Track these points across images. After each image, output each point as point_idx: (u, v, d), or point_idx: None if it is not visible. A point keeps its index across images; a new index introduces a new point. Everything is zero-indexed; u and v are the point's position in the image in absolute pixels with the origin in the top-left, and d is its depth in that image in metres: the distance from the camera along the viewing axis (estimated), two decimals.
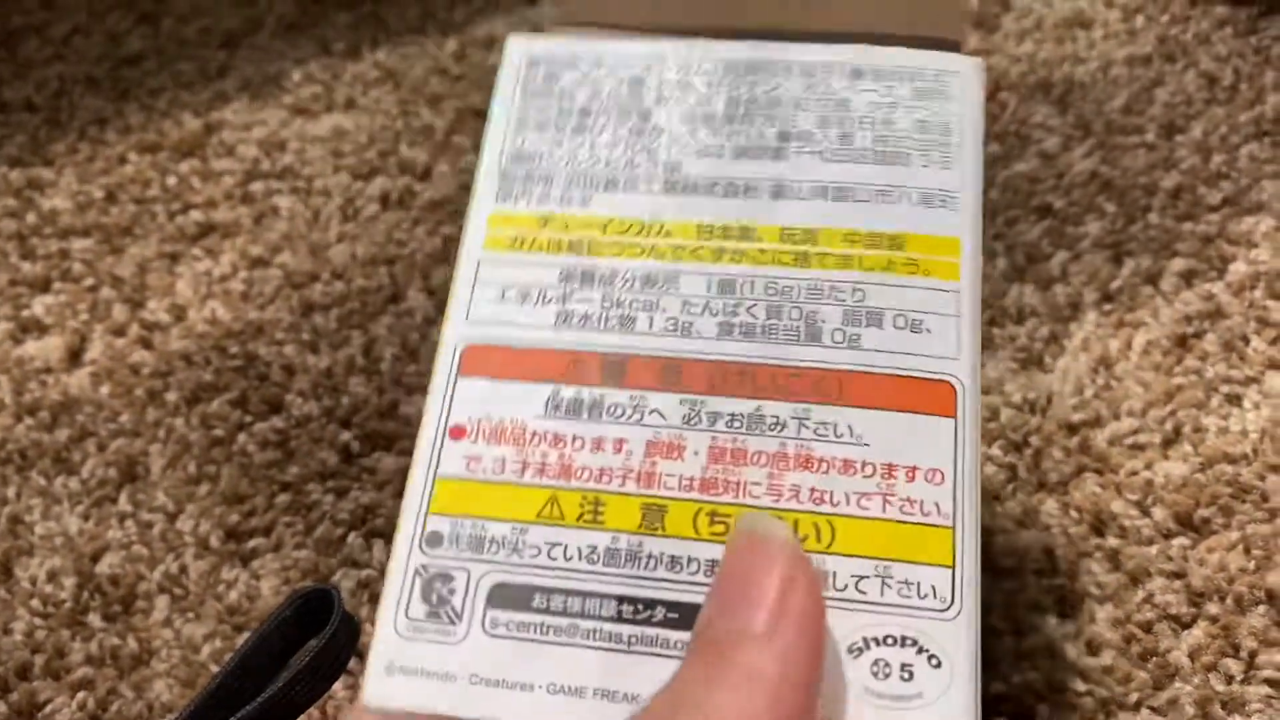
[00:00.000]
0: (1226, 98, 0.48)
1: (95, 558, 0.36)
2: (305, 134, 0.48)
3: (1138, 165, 0.45)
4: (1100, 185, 0.44)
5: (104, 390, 0.40)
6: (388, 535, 0.35)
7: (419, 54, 0.52)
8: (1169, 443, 0.36)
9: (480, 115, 0.49)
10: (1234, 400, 0.38)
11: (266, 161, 0.47)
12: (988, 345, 0.39)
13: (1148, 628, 0.32)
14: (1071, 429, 0.37)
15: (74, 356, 0.41)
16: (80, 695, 0.32)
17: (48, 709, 0.32)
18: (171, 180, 0.47)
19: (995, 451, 0.36)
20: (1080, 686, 0.31)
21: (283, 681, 0.29)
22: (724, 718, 0.16)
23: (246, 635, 0.33)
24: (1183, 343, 0.39)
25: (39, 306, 0.43)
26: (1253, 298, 0.40)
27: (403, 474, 0.36)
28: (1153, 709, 0.31)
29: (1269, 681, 0.31)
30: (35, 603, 0.35)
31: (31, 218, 0.46)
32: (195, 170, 0.47)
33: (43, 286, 0.43)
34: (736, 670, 0.17)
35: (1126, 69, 0.49)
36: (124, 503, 0.37)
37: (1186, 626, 0.32)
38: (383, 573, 0.34)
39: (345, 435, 0.38)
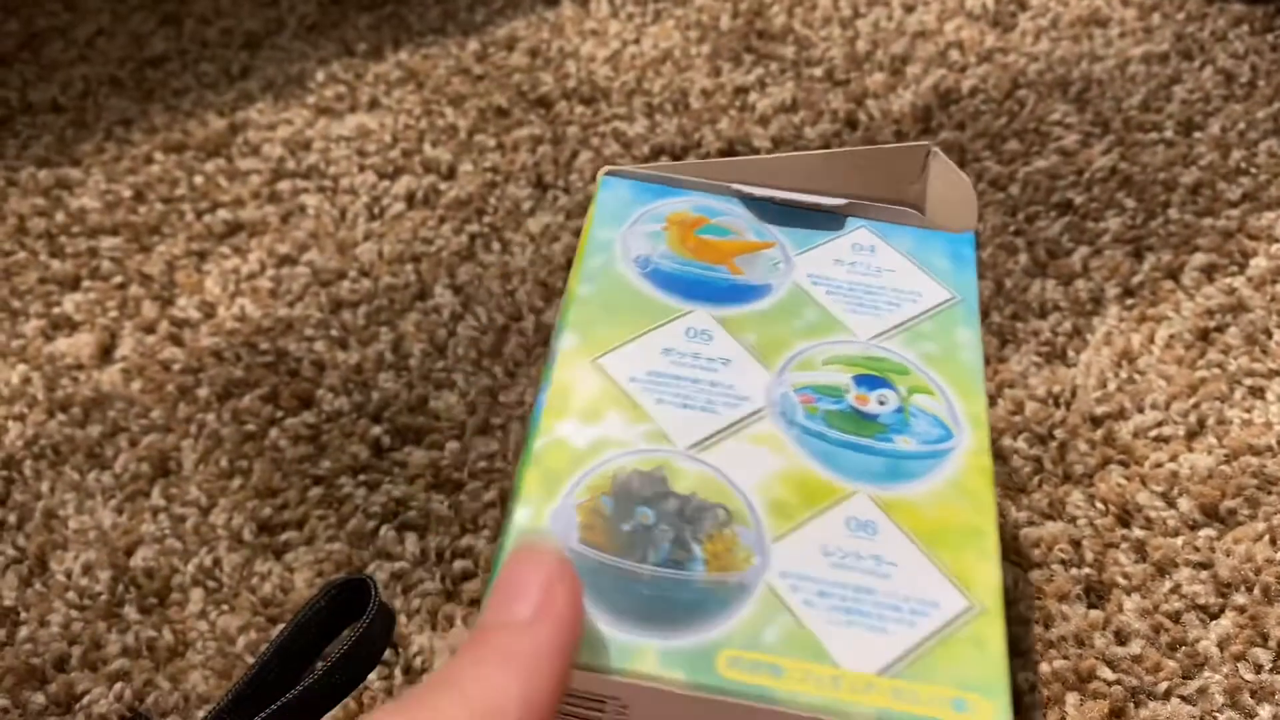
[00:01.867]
0: (1244, 94, 0.48)
1: (129, 551, 0.36)
2: (330, 133, 0.49)
3: (1157, 161, 0.45)
4: (1120, 181, 0.44)
5: (135, 386, 0.40)
6: (419, 528, 0.36)
7: (441, 54, 0.52)
8: (1193, 435, 0.37)
9: (502, 113, 0.49)
10: (1257, 393, 0.38)
11: (292, 161, 0.48)
12: (1011, 339, 0.40)
13: (1176, 617, 0.33)
14: (1096, 422, 0.37)
15: (105, 353, 0.41)
16: (118, 686, 0.33)
17: (85, 699, 0.33)
18: (198, 179, 0.47)
19: (1020, 444, 0.37)
20: (1109, 675, 0.31)
21: (321, 670, 0.30)
22: (478, 689, 0.18)
23: (282, 626, 0.33)
24: (1205, 336, 0.39)
25: (69, 304, 0.43)
26: (1274, 291, 0.41)
27: (433, 467, 0.37)
28: (1182, 698, 0.31)
29: None
30: (71, 595, 0.35)
31: (60, 216, 0.46)
32: (221, 169, 0.48)
33: (73, 284, 0.44)
34: (496, 651, 0.19)
35: (1144, 66, 0.50)
36: (157, 497, 0.37)
37: (1214, 616, 0.33)
38: (414, 565, 0.35)
39: (376, 430, 0.38)
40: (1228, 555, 0.34)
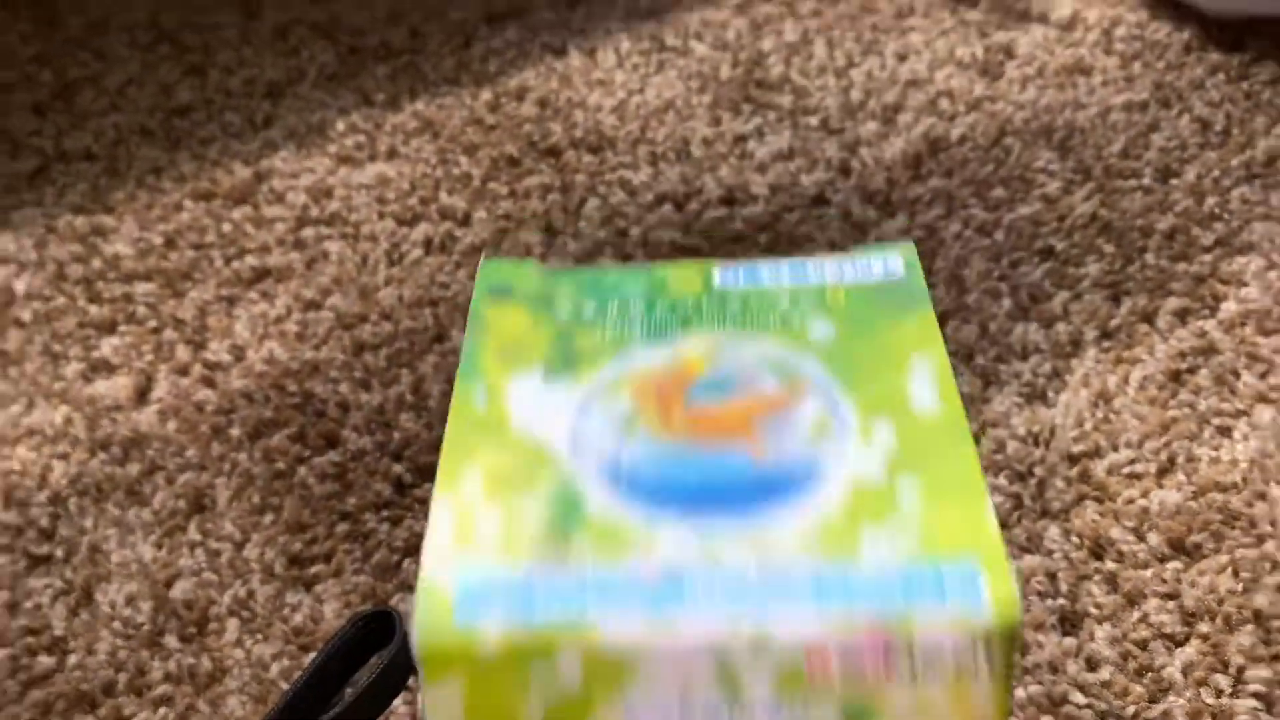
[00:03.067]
0: (1219, 142, 0.51)
1: (169, 584, 0.38)
2: (351, 181, 0.52)
3: (1135, 208, 0.48)
4: (1099, 227, 0.47)
5: (171, 426, 0.43)
6: None
7: (455, 104, 0.55)
8: (1164, 472, 0.39)
9: (513, 162, 0.52)
10: (1225, 432, 0.40)
11: (315, 208, 0.51)
12: (994, 381, 0.42)
13: (1143, 645, 0.35)
14: (1073, 460, 0.40)
15: (141, 395, 0.44)
16: (161, 710, 0.35)
17: None
18: (226, 227, 0.50)
19: (1002, 481, 0.39)
20: (1080, 699, 0.34)
21: (350, 697, 0.32)
22: None
23: (313, 655, 0.36)
24: (1177, 378, 0.42)
25: (107, 347, 0.46)
26: (1243, 334, 0.43)
27: None
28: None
29: (1256, 695, 0.34)
30: (116, 625, 0.37)
31: (97, 263, 0.49)
32: (248, 217, 0.50)
33: (109, 328, 0.47)
34: None
35: (1125, 114, 0.52)
36: (193, 532, 0.40)
37: (1180, 644, 0.35)
38: None
39: (398, 468, 0.41)
40: (1193, 586, 0.36)
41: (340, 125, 0.54)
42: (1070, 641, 0.35)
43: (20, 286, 0.49)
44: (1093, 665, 0.35)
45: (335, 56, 0.59)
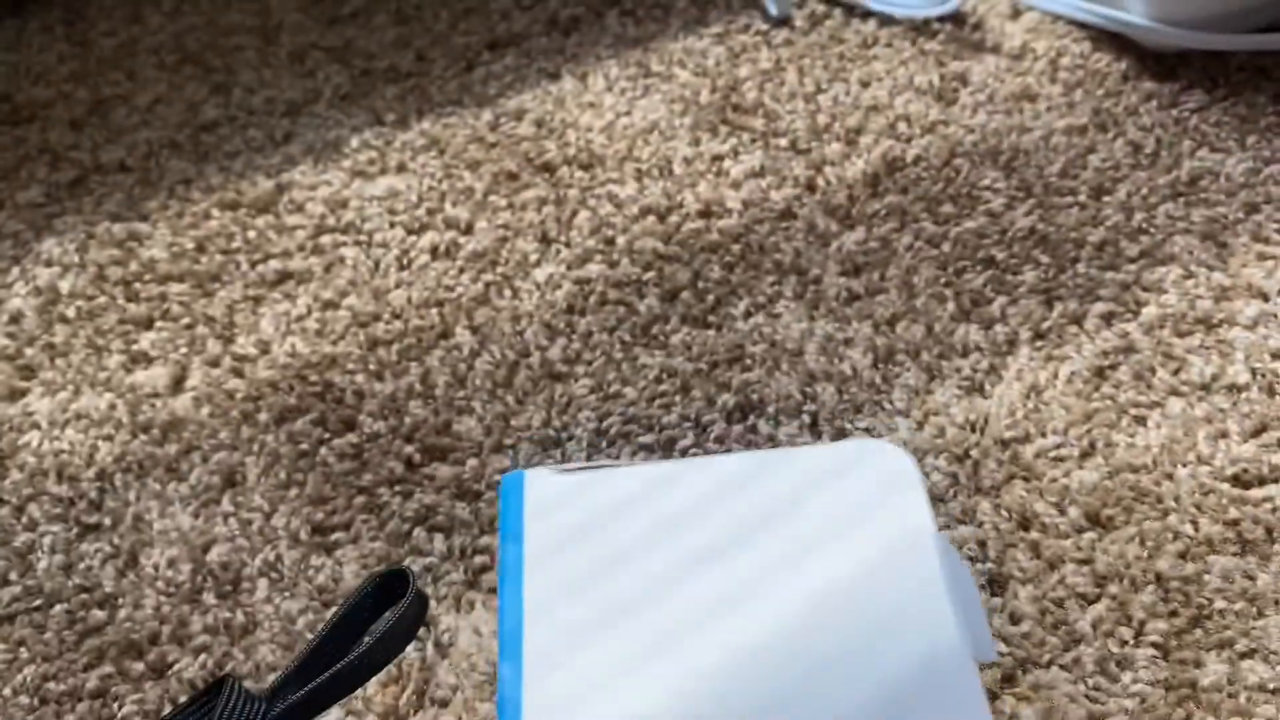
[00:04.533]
0: (1149, 163, 0.56)
1: (206, 549, 0.43)
2: (364, 194, 0.57)
3: (1070, 222, 0.53)
4: (1037, 240, 0.52)
5: (204, 411, 0.48)
6: (445, 530, 0.43)
7: (459, 124, 0.60)
8: (1085, 455, 0.44)
9: (512, 177, 0.57)
10: (1140, 421, 0.46)
11: (332, 218, 0.56)
12: (937, 375, 0.47)
13: (1060, 603, 0.40)
14: (1004, 444, 0.45)
15: (177, 384, 0.49)
16: (201, 657, 0.40)
17: (176, 667, 0.40)
18: (251, 234, 0.55)
19: (940, 463, 0.44)
20: (1004, 649, 0.39)
21: (367, 644, 0.37)
22: None
23: (335, 608, 0.41)
24: (1101, 373, 0.47)
25: (145, 341, 0.51)
26: (1161, 335, 0.48)
27: (456, 479, 0.44)
28: (1061, 666, 0.39)
29: (1154, 645, 0.39)
30: (160, 584, 0.42)
31: (134, 265, 0.54)
32: (271, 225, 0.56)
33: (147, 324, 0.52)
34: None
35: (1065, 137, 0.58)
36: (227, 504, 0.45)
37: (1091, 603, 0.40)
38: (441, 560, 0.43)
39: (409, 449, 0.46)
40: (1105, 554, 0.41)
41: (354, 142, 0.60)
42: (996, 600, 0.40)
43: (64, 286, 0.54)
44: (1015, 620, 0.40)
45: (348, 78, 0.64)
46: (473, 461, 0.45)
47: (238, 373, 0.49)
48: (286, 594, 0.42)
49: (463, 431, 0.46)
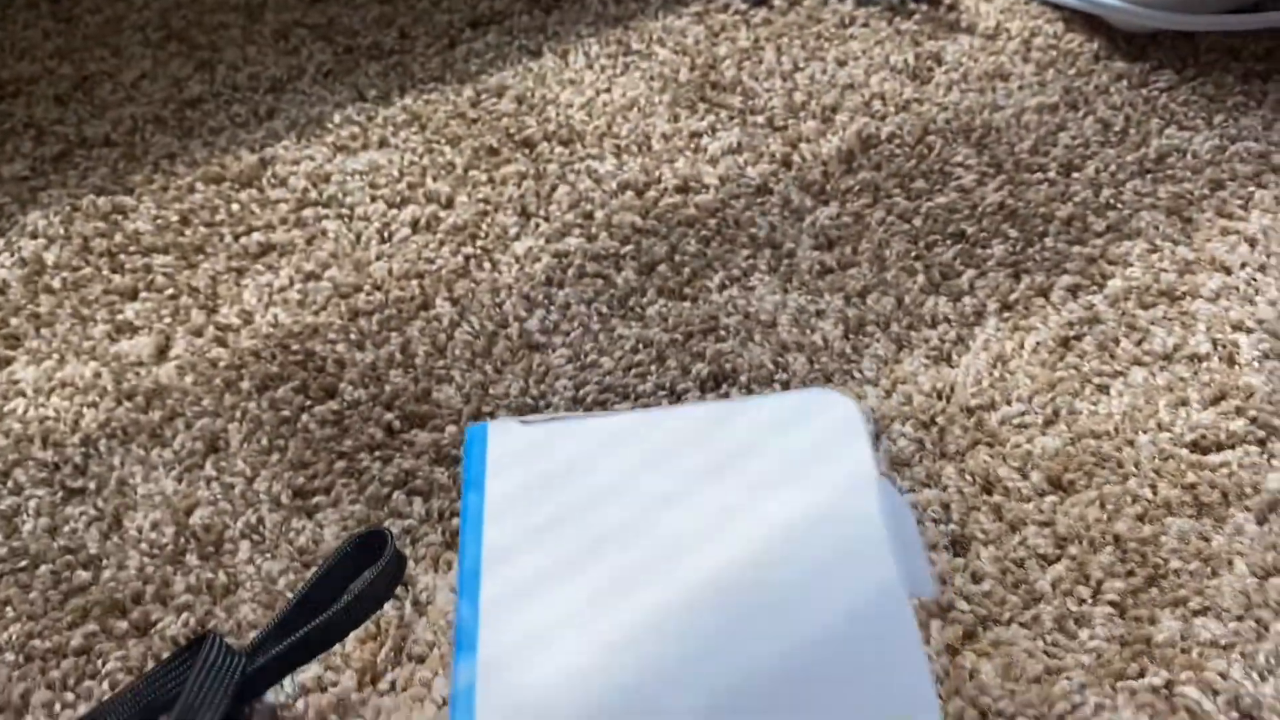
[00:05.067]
0: (1118, 140, 0.57)
1: (189, 512, 0.44)
2: (346, 168, 0.58)
3: (1039, 198, 0.54)
4: (1006, 214, 0.54)
5: (188, 380, 0.49)
6: (424, 493, 0.44)
7: (440, 100, 0.61)
8: (1049, 423, 0.46)
9: (492, 152, 0.58)
10: (1103, 389, 0.47)
11: (314, 191, 0.56)
12: (905, 345, 0.49)
13: (1020, 563, 0.41)
14: (970, 412, 0.46)
15: (161, 352, 0.50)
16: (184, 615, 0.41)
17: (159, 625, 0.41)
18: (234, 207, 0.56)
19: (907, 429, 0.46)
20: (965, 606, 0.40)
21: (344, 602, 0.38)
22: None
23: (315, 568, 0.42)
24: (1066, 344, 0.48)
25: (130, 311, 0.52)
26: (1125, 307, 0.50)
27: (436, 446, 0.45)
28: (1020, 624, 0.40)
29: (1111, 603, 0.40)
30: (143, 546, 0.43)
31: (119, 237, 0.55)
32: (254, 199, 0.56)
33: (132, 295, 0.52)
34: None
35: (1036, 115, 0.59)
36: (209, 469, 0.46)
37: (1051, 563, 0.41)
38: (420, 522, 0.43)
39: (389, 415, 0.47)
40: (1065, 516, 0.42)
41: (336, 117, 0.60)
42: (959, 560, 0.42)
43: (50, 257, 0.54)
44: (977, 579, 0.41)
45: (331, 55, 0.65)
46: (451, 428, 0.46)
47: (221, 342, 0.50)
48: (268, 555, 0.43)
49: (442, 399, 0.47)
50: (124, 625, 0.41)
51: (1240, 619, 0.39)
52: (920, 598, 0.34)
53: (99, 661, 0.40)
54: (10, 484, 0.46)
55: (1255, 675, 0.38)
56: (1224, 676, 0.38)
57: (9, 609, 0.42)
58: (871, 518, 0.37)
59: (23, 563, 0.43)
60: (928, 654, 0.37)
